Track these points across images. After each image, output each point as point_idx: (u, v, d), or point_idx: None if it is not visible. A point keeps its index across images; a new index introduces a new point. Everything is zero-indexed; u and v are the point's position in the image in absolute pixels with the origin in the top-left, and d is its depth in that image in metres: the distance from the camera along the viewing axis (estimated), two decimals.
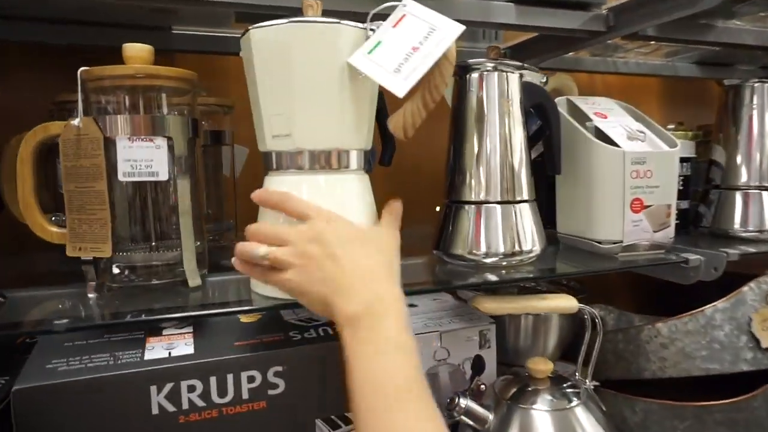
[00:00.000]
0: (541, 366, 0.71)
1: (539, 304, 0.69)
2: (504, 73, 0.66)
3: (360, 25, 0.51)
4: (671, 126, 0.97)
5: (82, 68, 0.52)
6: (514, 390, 0.72)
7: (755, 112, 0.88)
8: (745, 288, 0.80)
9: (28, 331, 0.47)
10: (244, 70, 0.53)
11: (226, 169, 0.85)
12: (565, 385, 0.73)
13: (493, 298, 0.68)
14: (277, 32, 0.49)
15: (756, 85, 0.89)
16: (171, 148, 0.54)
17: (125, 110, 0.55)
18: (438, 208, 0.71)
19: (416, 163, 0.97)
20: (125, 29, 0.77)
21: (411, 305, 0.86)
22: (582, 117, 0.75)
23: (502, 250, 0.65)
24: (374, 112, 0.55)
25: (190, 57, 0.88)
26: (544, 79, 0.79)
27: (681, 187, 0.85)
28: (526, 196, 0.66)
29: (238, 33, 0.53)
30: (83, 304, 0.54)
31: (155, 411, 0.49)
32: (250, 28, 0.50)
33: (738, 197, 0.88)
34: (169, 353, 0.52)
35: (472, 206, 0.66)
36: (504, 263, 0.66)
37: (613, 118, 0.75)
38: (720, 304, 0.81)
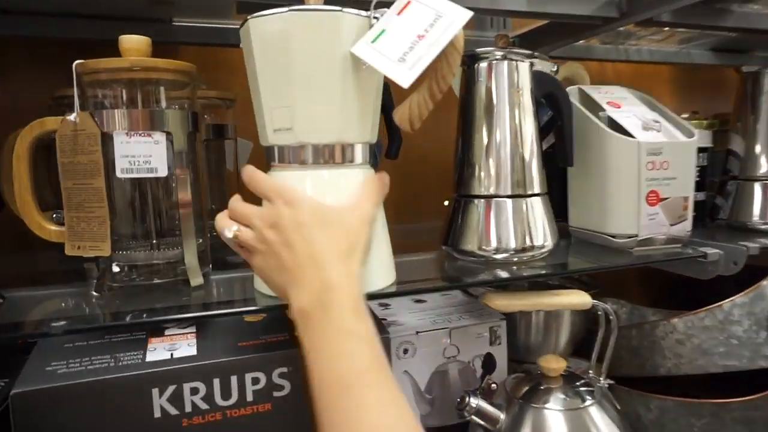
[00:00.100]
0: (554, 364, 0.69)
1: (552, 301, 0.67)
2: (514, 62, 0.63)
3: (363, 12, 0.49)
4: (685, 115, 0.95)
5: (78, 61, 0.51)
6: (526, 389, 0.70)
7: None
8: (764, 282, 0.77)
9: (24, 334, 0.46)
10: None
11: (230, 163, 0.83)
12: (578, 383, 0.71)
13: (504, 295, 0.66)
14: (277, 21, 0.47)
15: None
16: (170, 143, 0.52)
17: (122, 104, 0.53)
18: (446, 202, 0.69)
19: (423, 155, 0.95)
20: (125, 22, 0.76)
21: (419, 301, 0.84)
22: (594, 107, 0.72)
23: (513, 245, 0.63)
24: (379, 103, 0.53)
25: (192, 50, 0.86)
26: (555, 68, 0.76)
27: (697, 179, 0.82)
28: (537, 190, 0.64)
29: (239, 24, 0.51)
30: (83, 304, 0.52)
31: (157, 414, 0.48)
32: (248, 17, 0.48)
33: (757, 188, 0.85)
34: (172, 355, 0.50)
35: (482, 200, 0.64)
36: (515, 259, 0.64)
37: (627, 107, 0.72)
38: (738, 298, 0.78)
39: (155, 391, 0.48)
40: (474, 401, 0.66)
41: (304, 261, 0.44)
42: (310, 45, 0.47)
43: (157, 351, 0.51)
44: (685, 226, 0.68)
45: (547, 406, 0.66)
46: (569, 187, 0.76)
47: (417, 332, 0.75)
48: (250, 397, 0.51)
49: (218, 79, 0.85)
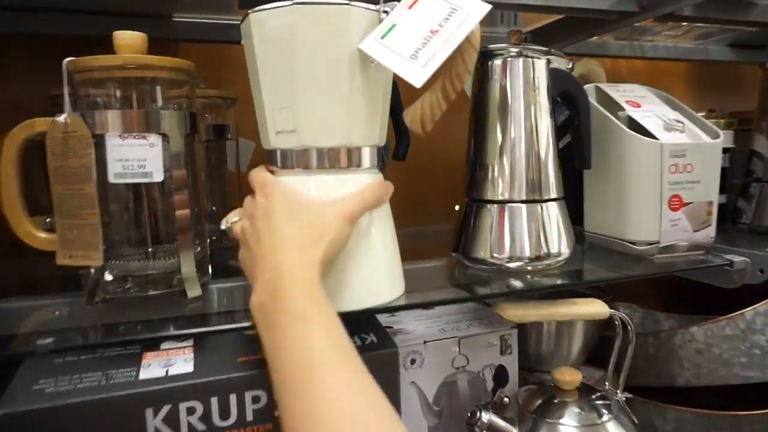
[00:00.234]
0: (569, 377, 0.66)
1: (568, 311, 0.64)
2: (530, 59, 0.60)
3: (372, 6, 0.45)
4: (701, 113, 0.91)
5: (68, 59, 0.48)
6: (539, 402, 0.67)
7: None
8: None
9: (5, 354, 0.43)
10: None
11: (231, 164, 0.80)
12: (594, 396, 0.68)
13: (518, 305, 0.63)
14: (280, 16, 0.44)
15: None
16: (167, 146, 0.49)
17: (116, 105, 0.50)
18: (457, 207, 0.66)
19: (432, 157, 0.91)
20: (123, 18, 0.72)
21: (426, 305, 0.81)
22: (613, 106, 0.69)
23: (527, 253, 0.59)
24: (388, 104, 0.50)
25: (193, 47, 0.83)
26: (570, 65, 0.73)
27: None
28: (554, 194, 0.61)
29: (241, 19, 0.48)
30: (74, 316, 0.49)
31: None
32: (249, 12, 0.45)
33: None
34: (167, 371, 0.47)
35: (495, 206, 0.61)
36: (529, 268, 0.61)
37: (647, 106, 0.69)
38: (761, 306, 0.75)
39: (149, 412, 0.45)
40: (486, 416, 0.63)
41: (265, 252, 0.42)
42: (316, 41, 0.44)
43: (152, 367, 0.48)
44: (709, 232, 0.65)
45: (561, 421, 0.63)
46: (585, 191, 0.73)
47: (425, 341, 0.72)
48: (250, 417, 0.48)
49: (220, 77, 0.82)
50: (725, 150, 0.83)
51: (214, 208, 0.80)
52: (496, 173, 0.61)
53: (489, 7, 0.43)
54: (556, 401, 0.67)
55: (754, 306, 0.75)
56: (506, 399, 0.67)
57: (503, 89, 0.60)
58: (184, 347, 0.51)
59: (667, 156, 0.61)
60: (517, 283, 0.59)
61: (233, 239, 0.47)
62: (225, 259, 0.74)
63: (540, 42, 0.88)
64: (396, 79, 0.50)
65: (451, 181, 0.92)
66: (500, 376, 0.72)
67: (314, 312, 0.39)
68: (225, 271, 0.67)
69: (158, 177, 0.49)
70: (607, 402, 0.67)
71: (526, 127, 0.60)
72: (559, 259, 0.60)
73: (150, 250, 0.53)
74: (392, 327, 0.74)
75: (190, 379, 0.46)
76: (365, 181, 0.48)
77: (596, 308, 0.65)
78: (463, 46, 0.43)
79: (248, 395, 0.48)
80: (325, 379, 0.36)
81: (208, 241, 0.59)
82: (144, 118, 0.49)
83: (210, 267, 0.58)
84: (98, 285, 0.51)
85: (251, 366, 0.49)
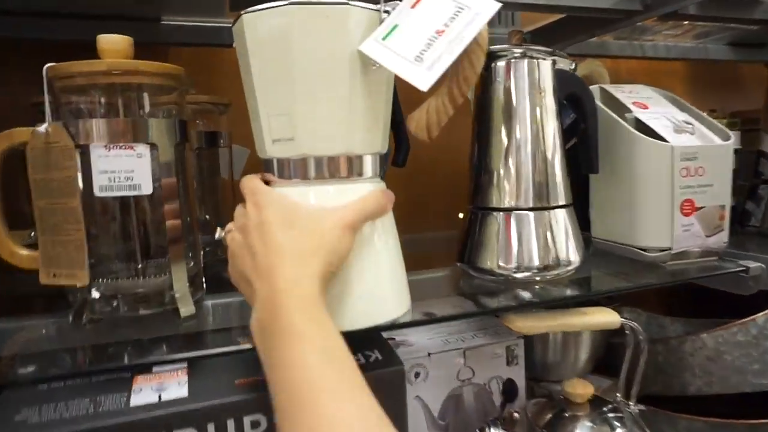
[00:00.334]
0: (580, 389, 0.64)
1: (579, 321, 0.61)
2: (534, 60, 0.58)
3: (372, 6, 0.43)
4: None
5: (48, 65, 0.45)
6: (549, 416, 0.65)
7: None
8: None
9: None
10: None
11: (224, 172, 0.77)
12: (606, 408, 0.66)
13: (527, 316, 0.60)
14: (275, 16, 0.41)
15: None
16: (155, 156, 0.46)
17: (101, 113, 0.47)
18: (461, 215, 0.63)
19: (431, 161, 0.89)
20: (109, 21, 0.70)
21: (427, 314, 0.79)
22: (619, 108, 0.67)
23: (536, 263, 0.57)
24: (390, 109, 0.47)
25: (183, 51, 0.80)
26: (573, 66, 0.70)
27: None
28: (562, 201, 0.58)
29: (233, 21, 0.45)
30: (58, 339, 0.46)
31: None
32: (242, 13, 0.42)
33: None
34: (160, 396, 0.44)
35: (501, 213, 0.58)
36: (537, 278, 0.58)
37: (655, 108, 0.66)
38: None
39: None
40: None
41: (261, 266, 0.39)
42: (314, 43, 0.41)
43: (144, 392, 0.45)
44: (722, 237, 0.63)
45: None
46: (592, 196, 0.71)
47: (429, 354, 0.69)
48: None
49: (211, 82, 0.79)
50: (734, 151, 0.81)
51: (207, 216, 0.77)
52: (501, 180, 0.58)
53: (499, 5, 0.41)
54: (567, 415, 0.64)
55: (766, 311, 0.73)
56: (516, 414, 0.65)
57: (508, 92, 0.58)
58: (178, 369, 0.48)
59: (678, 159, 0.59)
60: (526, 294, 0.56)
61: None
62: (219, 270, 0.71)
63: (541, 42, 0.85)
64: (395, 82, 0.47)
65: (452, 187, 0.90)
66: (509, 390, 0.69)
67: (313, 330, 0.36)
68: (220, 284, 0.64)
69: (147, 189, 0.46)
70: (620, 415, 0.64)
71: (533, 130, 0.57)
72: (569, 268, 0.58)
73: (140, 266, 0.50)
74: (394, 339, 0.71)
75: (184, 405, 0.43)
76: (367, 191, 0.45)
77: (607, 318, 0.62)
78: (470, 48, 0.40)
79: (247, 420, 0.45)
80: (326, 404, 0.34)
81: (202, 253, 0.56)
82: (131, 127, 0.46)
83: (204, 281, 0.55)
84: (85, 305, 0.48)
85: (250, 389, 0.46)
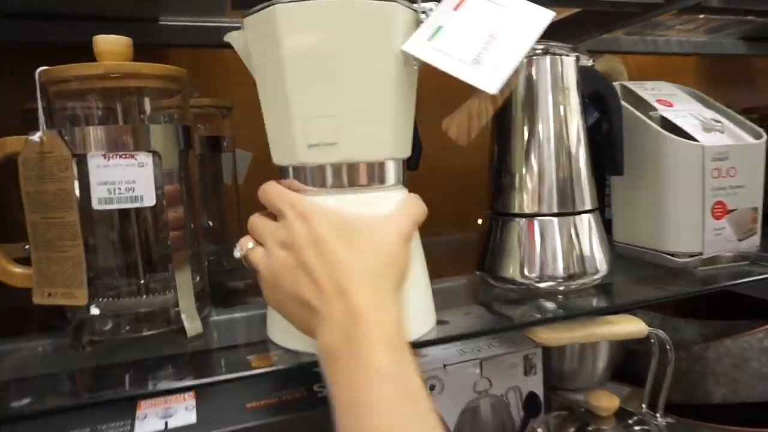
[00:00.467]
0: (606, 402, 0.61)
1: (604, 331, 0.58)
2: (557, 57, 0.54)
3: (413, 6, 0.40)
4: None
5: (41, 68, 0.41)
6: (572, 430, 0.61)
7: None
8: None
9: None
10: (248, 61, 0.42)
11: (227, 177, 0.74)
12: (631, 421, 0.63)
13: (552, 327, 0.57)
14: (321, 9, 0.37)
15: None
16: (158, 165, 0.43)
17: (98, 120, 0.44)
18: (480, 221, 0.60)
19: (441, 160, 0.86)
20: (105, 22, 0.66)
21: (440, 322, 0.76)
22: (643, 105, 0.64)
23: (561, 272, 0.54)
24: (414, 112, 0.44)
25: (182, 52, 0.77)
26: (590, 62, 0.67)
27: None
28: (588, 205, 0.55)
29: (235, 22, 0.42)
30: (57, 364, 0.43)
31: None
32: (274, 2, 0.38)
33: None
34: (166, 424, 0.41)
35: (523, 220, 0.55)
36: (561, 288, 0.55)
37: (680, 105, 0.63)
38: None
39: None
40: None
41: (325, 286, 0.35)
42: (362, 40, 0.38)
43: (149, 419, 0.42)
44: (754, 241, 0.60)
45: None
46: (614, 198, 0.68)
47: (444, 365, 0.66)
48: None
49: (212, 84, 0.76)
50: None
51: (210, 223, 0.73)
52: (523, 184, 0.55)
53: (553, 14, 0.39)
54: (591, 429, 0.61)
55: None
56: (539, 431, 0.62)
57: (529, 90, 0.54)
58: (185, 393, 0.45)
59: (709, 159, 0.56)
60: (552, 305, 0.53)
61: (251, 269, 0.40)
62: (224, 280, 0.68)
63: (554, 38, 0.83)
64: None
65: (462, 189, 0.87)
66: (531, 404, 0.66)
67: (396, 367, 0.33)
68: (226, 296, 0.61)
69: (149, 201, 0.42)
70: (647, 428, 0.61)
71: (556, 131, 0.54)
72: (596, 277, 0.55)
73: (142, 281, 0.47)
74: None
75: None
76: (401, 199, 0.42)
77: (633, 327, 0.59)
78: None
79: None
80: None
81: (206, 263, 0.53)
82: (131, 135, 0.42)
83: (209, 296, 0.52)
84: (84, 325, 0.44)
85: (261, 413, 0.43)
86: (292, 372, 0.41)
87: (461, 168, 0.89)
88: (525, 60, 0.55)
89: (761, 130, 0.61)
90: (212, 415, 0.42)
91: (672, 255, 0.60)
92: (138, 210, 0.46)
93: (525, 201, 0.55)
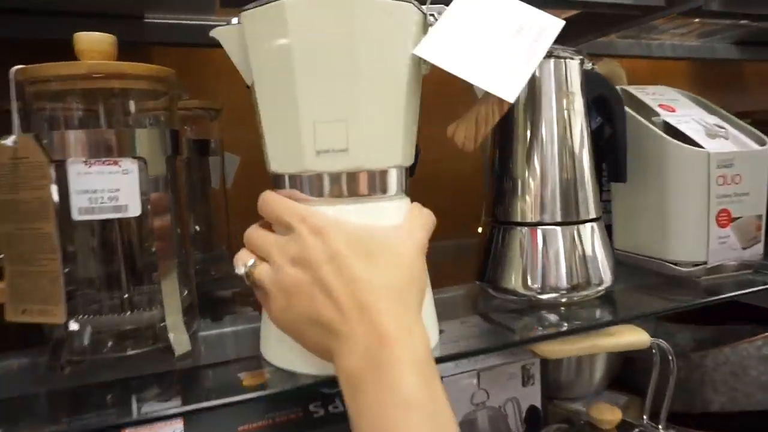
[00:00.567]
0: (608, 415, 0.59)
1: (607, 343, 0.56)
2: (561, 60, 0.53)
3: (423, 8, 0.39)
4: None
5: (17, 67, 0.38)
6: None
7: None
8: None
9: None
10: (238, 60, 0.40)
11: (215, 181, 0.71)
12: None
13: (554, 339, 0.55)
14: (334, 7, 0.35)
15: None
16: (144, 172, 0.40)
17: (79, 123, 0.41)
18: (480, 229, 0.58)
19: (434, 163, 0.84)
20: (87, 18, 0.63)
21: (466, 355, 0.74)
22: (645, 110, 0.62)
23: (564, 283, 0.52)
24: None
25: (169, 51, 0.74)
26: (590, 66, 0.66)
27: None
28: (592, 214, 0.53)
29: (224, 21, 0.39)
30: (32, 387, 0.40)
31: None
32: None
33: None
34: None
35: (526, 228, 0.53)
36: (564, 300, 0.53)
37: (683, 110, 0.62)
38: None
39: None
40: None
41: (345, 305, 0.33)
42: (376, 41, 0.35)
43: None
44: (757, 250, 0.59)
45: None
46: (614, 205, 0.66)
47: (441, 377, 0.64)
48: None
49: (199, 85, 0.73)
50: None
51: (197, 228, 0.71)
52: (526, 191, 0.53)
53: (563, 23, 0.39)
54: None
55: None
56: None
57: (533, 94, 0.52)
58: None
59: (714, 166, 0.55)
60: (555, 318, 0.51)
61: (254, 286, 0.38)
62: (211, 290, 0.65)
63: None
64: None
65: (458, 194, 0.85)
66: (532, 418, 0.64)
67: (425, 394, 0.31)
68: (214, 306, 0.59)
69: (134, 211, 0.39)
70: None
71: (560, 137, 0.52)
72: (600, 288, 0.53)
73: (126, 296, 0.44)
74: None
75: None
76: (407, 209, 0.40)
77: (636, 337, 0.58)
78: None
79: None
80: None
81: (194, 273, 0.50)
82: (115, 139, 0.39)
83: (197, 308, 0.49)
84: (63, 344, 0.41)
85: None
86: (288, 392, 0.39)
87: (454, 173, 0.87)
88: None
89: (764, 136, 0.60)
90: None
91: (675, 264, 0.58)
92: (122, 220, 0.43)
93: (528, 209, 0.53)
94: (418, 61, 0.38)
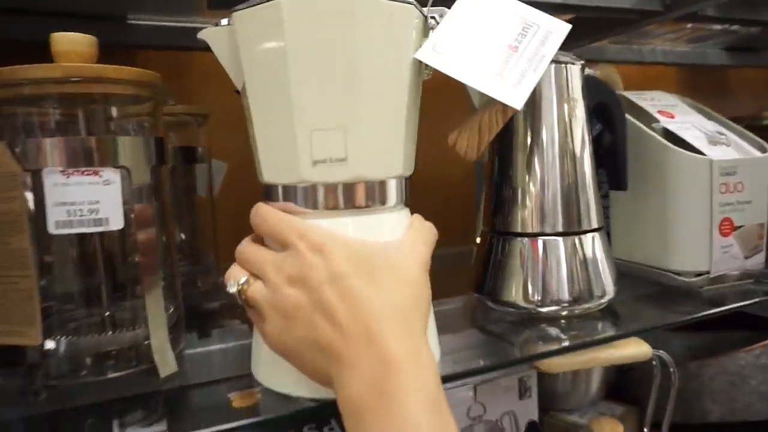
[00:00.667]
0: (610, 430, 0.58)
1: (609, 356, 0.55)
2: (562, 65, 0.51)
3: (423, 9, 0.37)
4: None
5: None
6: None
7: None
8: None
9: None
10: (228, 63, 0.37)
11: (201, 189, 0.69)
12: None
13: None
14: (331, 6, 0.33)
15: None
16: (127, 182, 0.38)
17: (56, 130, 0.38)
18: (478, 239, 0.56)
19: (421, 168, 0.82)
20: (65, 19, 0.60)
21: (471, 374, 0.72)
22: (644, 117, 0.61)
23: (566, 296, 0.50)
24: None
25: (152, 54, 0.72)
26: (591, 71, 0.64)
27: None
28: (594, 224, 0.52)
29: (211, 23, 0.37)
30: (2, 413, 0.37)
31: None
32: None
33: None
34: None
35: (526, 239, 0.51)
36: (565, 313, 0.51)
37: (682, 117, 0.61)
38: None
39: None
40: None
41: (349, 330, 0.30)
42: (377, 43, 0.33)
43: None
44: (759, 259, 0.57)
45: None
46: (613, 212, 0.65)
47: None
48: None
49: (183, 90, 0.70)
50: None
51: (183, 236, 0.68)
52: (526, 201, 0.51)
53: (569, 26, 0.38)
54: None
55: None
56: None
57: (533, 100, 0.51)
58: None
59: (717, 174, 0.53)
60: (555, 331, 0.50)
61: (247, 305, 0.35)
62: (198, 303, 0.63)
63: None
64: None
65: (445, 201, 0.83)
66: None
67: (432, 427, 0.28)
68: (201, 320, 0.56)
69: (116, 224, 0.37)
70: None
71: (561, 144, 0.51)
72: (602, 301, 0.52)
73: (107, 314, 0.41)
74: None
75: None
76: (407, 220, 0.38)
77: (637, 349, 0.56)
78: None
79: None
80: None
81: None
82: (95, 148, 0.37)
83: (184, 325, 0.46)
84: (38, 368, 0.38)
85: None
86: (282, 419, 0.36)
87: (442, 180, 0.85)
88: None
89: (764, 143, 0.59)
90: None
91: (677, 274, 0.57)
92: (103, 233, 0.40)
93: (528, 219, 0.51)
94: (419, 66, 0.36)
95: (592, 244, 0.51)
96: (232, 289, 0.34)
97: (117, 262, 0.42)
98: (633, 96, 0.64)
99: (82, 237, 0.41)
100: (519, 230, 0.52)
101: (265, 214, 0.35)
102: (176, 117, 0.60)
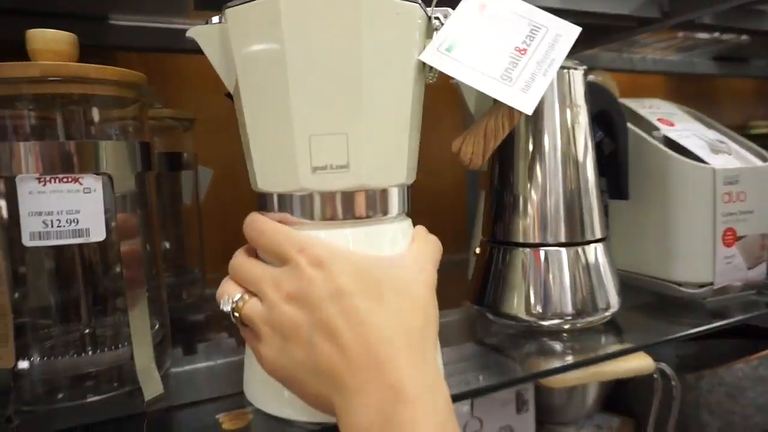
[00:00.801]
0: None
1: (612, 369, 0.53)
2: (565, 70, 0.49)
3: (428, 9, 0.35)
4: None
5: None
6: None
7: None
8: None
9: None
10: (219, 64, 0.35)
11: (187, 197, 0.66)
12: None
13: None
14: (335, 2, 0.30)
15: None
16: (110, 190, 0.35)
17: (32, 134, 0.35)
18: (477, 250, 0.54)
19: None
20: (45, 18, 0.57)
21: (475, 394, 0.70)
22: (643, 125, 0.60)
23: (569, 309, 0.48)
24: None
25: (134, 56, 0.69)
26: (592, 78, 0.63)
27: None
28: (598, 234, 0.50)
29: (196, 24, 0.35)
30: None
31: None
32: None
33: None
34: None
35: (527, 250, 0.49)
36: (567, 326, 0.50)
37: (682, 125, 0.60)
38: None
39: None
40: None
41: (354, 354, 0.28)
42: (383, 43, 0.31)
43: None
44: (762, 269, 0.56)
45: None
46: (612, 222, 0.63)
47: None
48: None
49: (166, 94, 0.67)
50: None
51: (168, 244, 0.65)
52: (528, 210, 0.50)
53: (579, 29, 0.36)
54: None
55: None
56: None
57: (536, 108, 0.49)
58: None
59: (720, 183, 0.52)
60: (559, 346, 0.48)
61: (242, 324, 0.33)
62: (184, 315, 0.60)
63: None
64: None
65: (438, 209, 0.81)
66: None
67: None
68: (187, 334, 0.53)
69: (98, 235, 0.34)
70: None
71: (564, 152, 0.49)
72: (606, 314, 0.50)
73: (87, 331, 0.38)
74: None
75: None
76: (410, 232, 0.36)
77: (641, 363, 0.55)
78: None
79: None
80: None
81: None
82: (75, 153, 0.34)
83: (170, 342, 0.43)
84: (11, 392, 0.35)
85: None
86: None
87: (433, 187, 0.84)
88: None
89: (764, 152, 0.58)
90: None
91: (679, 285, 0.56)
92: (83, 246, 0.37)
93: (529, 229, 0.50)
94: (423, 68, 0.34)
95: (596, 255, 0.50)
96: (226, 306, 0.32)
97: (98, 274, 0.39)
98: (632, 103, 0.63)
99: (59, 247, 0.38)
100: (520, 240, 0.50)
101: (261, 225, 0.33)
102: (161, 121, 0.57)
